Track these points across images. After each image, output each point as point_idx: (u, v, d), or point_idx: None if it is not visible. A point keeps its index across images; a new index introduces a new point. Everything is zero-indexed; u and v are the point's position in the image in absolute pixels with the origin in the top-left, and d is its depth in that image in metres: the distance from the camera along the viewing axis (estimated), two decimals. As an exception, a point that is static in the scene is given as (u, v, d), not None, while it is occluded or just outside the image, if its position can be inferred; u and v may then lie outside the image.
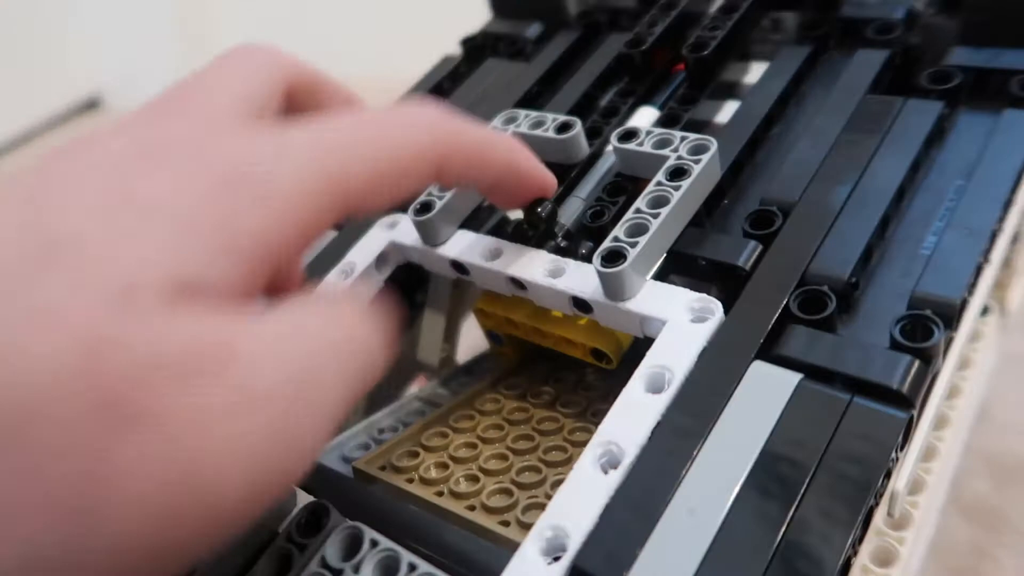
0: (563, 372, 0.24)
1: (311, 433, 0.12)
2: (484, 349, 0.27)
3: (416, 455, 0.21)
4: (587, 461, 0.16)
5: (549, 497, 0.19)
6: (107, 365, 0.11)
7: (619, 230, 0.19)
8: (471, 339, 0.29)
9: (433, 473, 0.20)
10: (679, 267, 0.20)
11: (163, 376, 0.11)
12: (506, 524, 0.18)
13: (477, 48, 0.31)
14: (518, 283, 0.20)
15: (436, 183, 0.19)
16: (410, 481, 0.20)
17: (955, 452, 0.22)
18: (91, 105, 0.88)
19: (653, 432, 0.16)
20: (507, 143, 0.18)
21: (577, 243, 0.21)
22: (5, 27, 0.79)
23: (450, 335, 0.27)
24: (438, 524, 0.18)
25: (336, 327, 0.13)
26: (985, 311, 0.23)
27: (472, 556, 0.17)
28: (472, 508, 0.19)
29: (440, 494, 0.19)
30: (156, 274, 0.12)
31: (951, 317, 0.16)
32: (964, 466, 0.28)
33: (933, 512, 0.22)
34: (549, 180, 0.19)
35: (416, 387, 0.29)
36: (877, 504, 0.14)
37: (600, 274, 0.18)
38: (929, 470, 0.20)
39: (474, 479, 0.20)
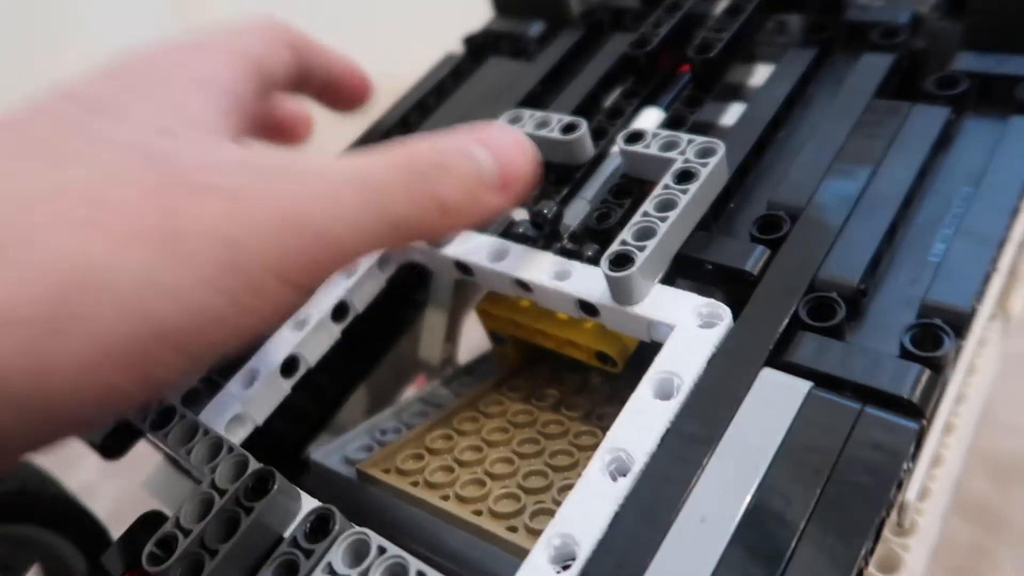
0: (565, 374, 0.24)
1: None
2: (485, 350, 0.27)
3: (421, 458, 0.21)
4: (595, 468, 0.16)
5: (556, 502, 0.19)
6: (161, 158, 0.14)
7: (627, 233, 0.19)
8: (471, 340, 0.29)
9: (438, 477, 0.20)
10: (685, 271, 0.20)
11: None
12: (513, 530, 0.18)
13: (479, 46, 0.30)
14: (524, 285, 0.20)
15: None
16: (415, 484, 0.20)
17: (959, 458, 0.22)
18: None
19: (662, 439, 0.16)
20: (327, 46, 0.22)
21: (583, 245, 0.21)
22: (5, 26, 0.79)
23: (451, 335, 0.27)
24: (445, 529, 0.18)
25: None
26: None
27: (479, 563, 0.17)
28: (479, 513, 0.19)
29: (446, 498, 0.19)
30: (182, 120, 0.15)
31: (961, 326, 0.16)
32: (964, 467, 0.28)
33: (938, 519, 0.22)
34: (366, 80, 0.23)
35: (416, 387, 0.28)
36: (888, 514, 0.14)
37: (608, 278, 0.18)
38: (935, 477, 0.20)
39: (480, 483, 0.20)
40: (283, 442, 0.25)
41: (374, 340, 0.27)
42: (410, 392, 0.27)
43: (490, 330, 0.25)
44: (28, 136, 0.14)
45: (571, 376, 0.24)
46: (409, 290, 0.27)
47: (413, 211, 0.16)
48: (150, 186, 0.13)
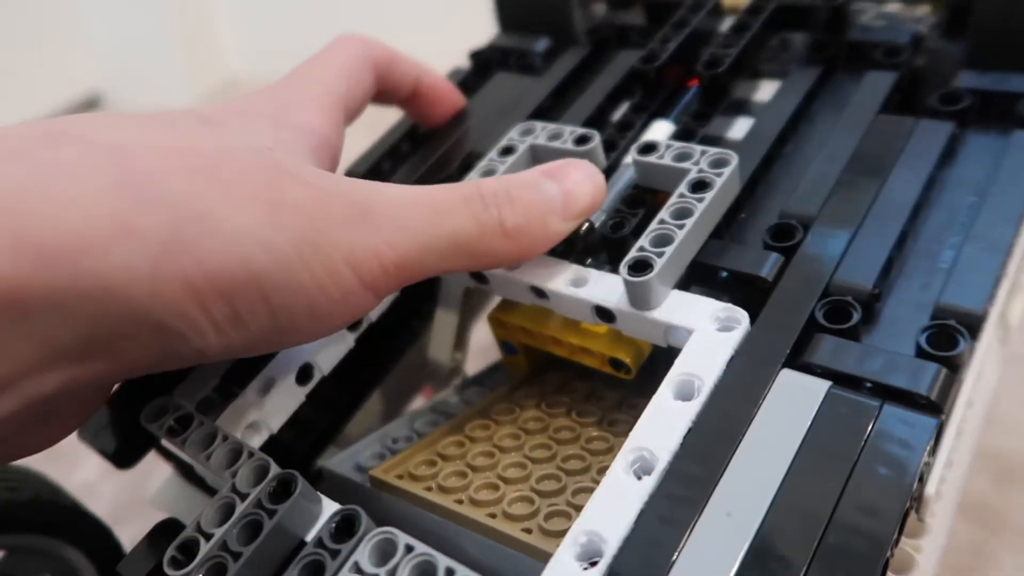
0: (575, 382, 0.24)
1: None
2: (494, 360, 0.27)
3: (434, 464, 0.21)
4: (619, 467, 0.16)
5: (571, 505, 0.19)
6: (270, 158, 0.16)
7: (644, 240, 0.19)
8: (478, 349, 0.29)
9: (452, 481, 0.20)
10: (700, 278, 0.20)
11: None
12: (528, 531, 0.18)
13: (485, 61, 0.31)
14: (540, 292, 0.21)
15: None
16: (429, 489, 0.20)
17: (967, 461, 0.22)
18: (91, 104, 0.88)
19: (684, 438, 0.16)
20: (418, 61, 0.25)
21: (597, 254, 0.21)
22: (5, 26, 0.79)
23: (460, 344, 0.27)
24: (460, 532, 0.18)
25: None
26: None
27: (497, 564, 0.17)
28: (493, 516, 0.19)
29: (460, 502, 0.19)
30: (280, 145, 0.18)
31: (975, 327, 0.16)
32: (970, 470, 0.28)
33: (948, 520, 0.22)
34: (457, 94, 0.27)
35: (423, 398, 0.28)
36: (912, 507, 0.14)
37: (627, 283, 0.18)
38: (944, 479, 0.20)
39: (494, 487, 0.20)
40: (292, 453, 0.25)
41: (383, 352, 0.28)
42: (419, 402, 0.27)
43: (501, 339, 0.25)
44: (159, 118, 0.17)
45: (581, 384, 0.24)
46: (419, 300, 0.27)
47: (475, 231, 0.18)
48: (260, 166, 0.16)
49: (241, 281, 0.15)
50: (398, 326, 0.28)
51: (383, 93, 0.25)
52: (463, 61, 0.31)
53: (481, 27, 0.33)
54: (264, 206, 0.15)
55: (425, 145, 0.28)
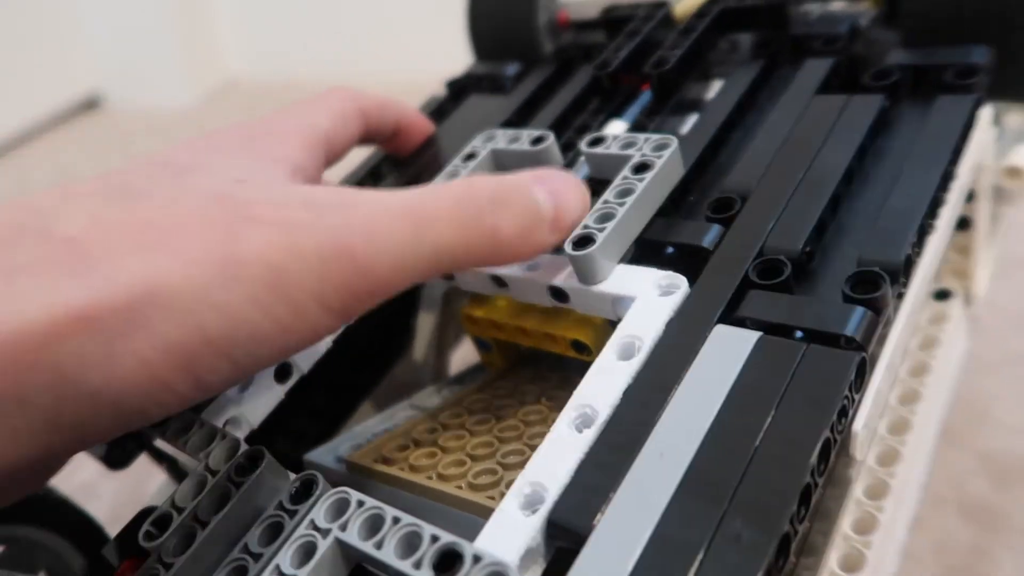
0: (547, 372, 0.25)
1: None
2: (474, 362, 0.28)
3: (406, 447, 0.22)
4: (563, 423, 0.17)
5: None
6: (230, 200, 0.16)
7: (588, 219, 0.20)
8: (461, 355, 0.30)
9: (422, 461, 0.21)
10: (648, 255, 0.21)
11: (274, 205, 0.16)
12: (492, 499, 0.19)
13: (461, 89, 0.33)
14: (499, 280, 0.22)
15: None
16: (401, 470, 0.21)
17: (931, 429, 0.22)
18: (91, 105, 0.89)
19: (624, 393, 0.17)
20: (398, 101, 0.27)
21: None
22: (5, 26, 0.80)
23: (442, 345, 0.28)
24: (427, 505, 0.19)
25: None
26: (948, 295, 0.24)
27: (456, 525, 0.17)
28: (460, 488, 0.19)
29: (429, 478, 0.20)
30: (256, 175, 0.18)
31: (896, 272, 0.17)
32: (964, 466, 0.28)
33: (913, 486, 0.22)
34: (428, 124, 0.29)
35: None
36: (836, 440, 0.15)
37: (571, 258, 0.19)
38: (904, 442, 0.21)
39: (461, 463, 0.20)
40: (286, 460, 0.26)
41: (373, 360, 0.29)
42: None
43: (474, 336, 0.26)
44: (124, 185, 0.17)
45: (553, 374, 0.25)
46: (407, 313, 0.28)
47: (461, 241, 0.17)
48: (217, 218, 0.16)
49: (198, 349, 0.15)
50: (388, 338, 0.29)
51: (368, 136, 0.26)
52: (461, 60, 0.33)
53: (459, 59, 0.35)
54: (216, 265, 0.15)
55: (402, 165, 0.29)
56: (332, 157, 0.23)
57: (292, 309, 0.16)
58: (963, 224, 0.25)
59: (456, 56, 0.33)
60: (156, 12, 0.84)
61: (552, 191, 0.19)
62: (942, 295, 0.24)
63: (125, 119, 0.84)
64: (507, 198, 0.18)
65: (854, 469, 0.20)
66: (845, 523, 0.20)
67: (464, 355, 0.30)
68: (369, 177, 0.29)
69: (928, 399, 0.22)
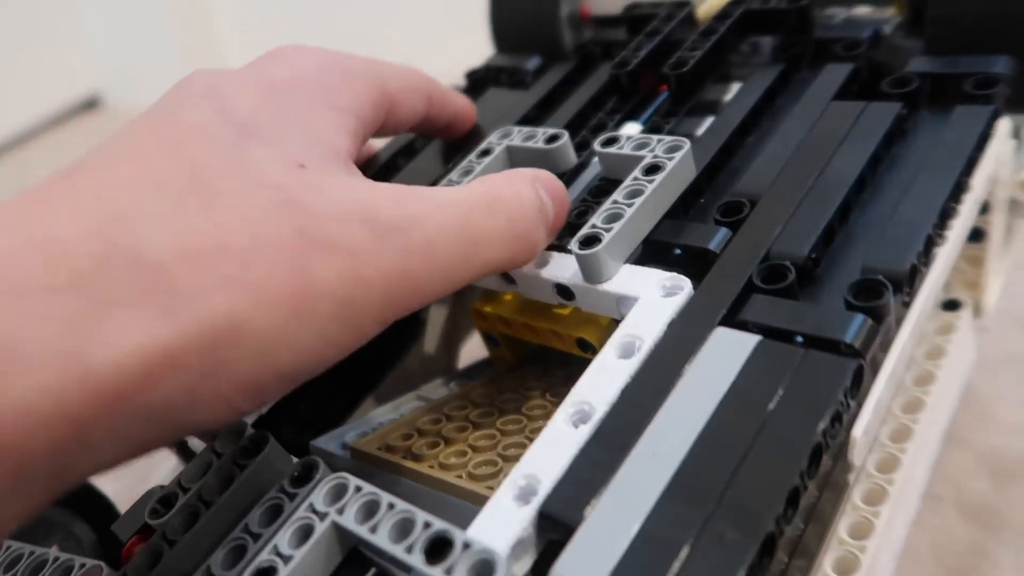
0: (554, 369, 0.25)
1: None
2: (483, 356, 0.28)
3: (410, 437, 0.22)
4: (560, 418, 0.17)
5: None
6: (297, 208, 0.16)
7: (596, 218, 0.20)
8: (470, 349, 0.31)
9: (425, 450, 0.21)
10: (655, 256, 0.21)
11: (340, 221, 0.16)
12: (491, 489, 0.19)
13: (480, 80, 0.33)
14: (508, 277, 0.22)
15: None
16: (404, 458, 0.21)
17: (933, 438, 0.22)
18: (91, 105, 0.89)
19: (622, 392, 0.17)
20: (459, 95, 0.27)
21: (562, 239, 0.23)
22: (5, 26, 0.80)
23: (451, 339, 0.29)
24: (426, 493, 0.20)
25: (490, 193, 0.18)
26: (957, 306, 0.24)
27: (454, 513, 0.18)
28: (460, 477, 0.20)
29: (431, 467, 0.20)
30: (316, 153, 0.18)
31: (900, 281, 0.17)
32: (964, 466, 0.28)
33: (913, 495, 0.22)
34: (475, 112, 0.28)
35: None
36: (828, 444, 0.15)
37: (578, 257, 0.20)
38: (904, 450, 0.21)
39: (462, 454, 0.21)
40: (293, 446, 0.26)
41: (383, 350, 0.29)
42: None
43: (483, 331, 0.26)
44: (187, 162, 0.16)
45: (560, 371, 0.25)
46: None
47: (508, 257, 0.18)
48: (287, 241, 0.16)
49: (270, 382, 0.16)
50: (398, 330, 0.29)
51: (422, 124, 0.25)
52: (462, 60, 0.33)
53: (480, 26, 0.35)
54: (290, 304, 0.15)
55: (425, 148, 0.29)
56: (388, 126, 0.23)
57: (355, 334, 0.16)
58: (976, 236, 0.24)
59: (456, 55, 0.34)
60: (156, 12, 0.84)
61: (553, 196, 0.20)
62: (951, 305, 0.24)
63: (125, 119, 0.82)
64: (546, 208, 0.19)
65: (853, 474, 0.20)
66: (841, 527, 0.20)
67: (473, 348, 0.30)
68: (404, 153, 0.29)
69: (931, 408, 0.21)
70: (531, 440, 0.21)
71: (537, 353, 0.27)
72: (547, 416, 0.23)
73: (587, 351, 0.23)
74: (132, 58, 0.86)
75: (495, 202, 0.18)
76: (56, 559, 0.18)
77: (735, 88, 0.28)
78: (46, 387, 0.13)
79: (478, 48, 0.35)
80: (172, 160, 0.16)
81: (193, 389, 0.14)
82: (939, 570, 0.26)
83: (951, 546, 0.26)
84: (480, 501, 0.19)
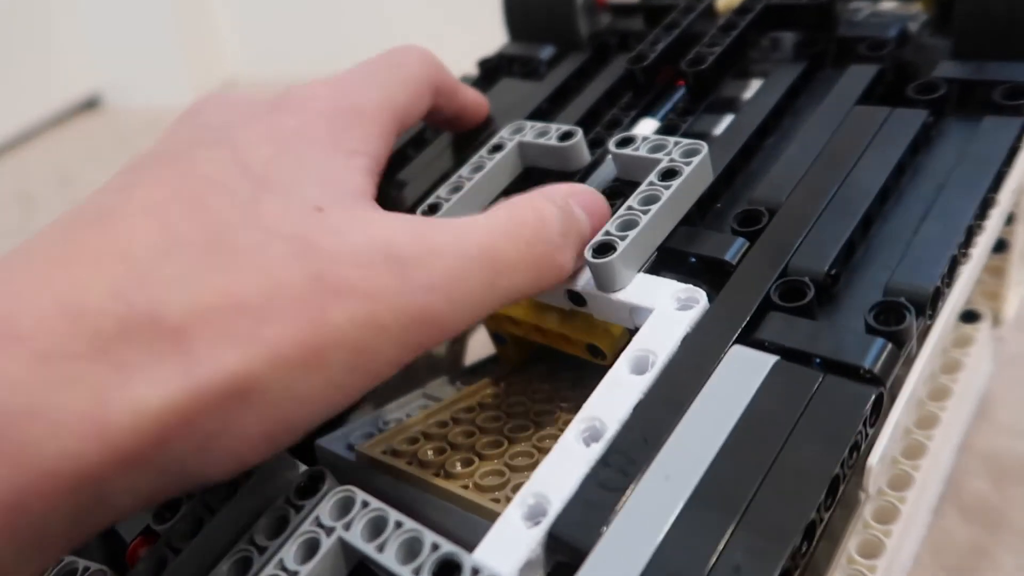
0: (561, 372, 0.25)
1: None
2: (490, 353, 0.28)
3: (416, 441, 0.22)
4: (571, 435, 0.17)
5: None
6: (314, 255, 0.16)
7: (611, 225, 0.20)
8: (477, 344, 0.30)
9: (431, 457, 0.21)
10: (670, 264, 0.21)
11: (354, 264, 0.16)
12: (497, 501, 0.19)
13: (492, 69, 0.32)
14: (518, 279, 0.21)
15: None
16: (409, 464, 0.21)
17: (947, 452, 0.22)
18: (91, 105, 0.89)
19: (634, 409, 0.17)
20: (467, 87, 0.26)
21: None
22: (5, 26, 0.80)
23: (458, 342, 0.28)
24: (430, 502, 0.19)
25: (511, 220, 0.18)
26: (976, 317, 0.24)
27: (457, 525, 0.18)
28: (465, 487, 0.19)
29: (437, 475, 0.20)
30: (333, 195, 0.17)
31: (923, 304, 0.17)
32: (964, 466, 0.28)
33: (924, 510, 0.22)
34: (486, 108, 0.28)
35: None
36: (845, 475, 0.15)
37: (591, 265, 0.19)
38: (918, 467, 0.20)
39: (469, 462, 0.21)
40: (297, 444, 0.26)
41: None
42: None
43: (491, 330, 0.26)
44: (206, 219, 0.16)
45: (566, 374, 0.25)
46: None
47: (532, 283, 0.18)
48: (305, 292, 0.15)
49: (280, 435, 0.15)
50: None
51: (429, 116, 0.25)
52: (463, 60, 0.33)
53: (482, 27, 0.34)
54: (301, 356, 0.15)
55: (433, 141, 0.29)
56: (402, 130, 0.23)
57: (369, 379, 0.16)
58: (999, 246, 0.24)
59: (456, 55, 0.33)
60: (156, 12, 0.84)
61: (591, 216, 0.20)
62: (969, 316, 0.24)
63: (125, 119, 0.83)
64: (570, 229, 0.19)
65: (864, 492, 0.19)
66: (851, 545, 0.19)
67: (479, 345, 0.30)
68: (413, 144, 0.29)
69: (946, 424, 0.21)
70: (539, 449, 0.21)
71: (544, 352, 0.26)
72: (556, 423, 0.22)
73: (597, 357, 0.22)
74: (132, 58, 0.86)
75: (517, 228, 0.18)
76: (60, 561, 0.18)
77: (754, 85, 0.27)
78: (68, 451, 0.13)
79: (492, 35, 0.34)
80: (192, 217, 0.16)
81: (205, 446, 0.15)
82: (939, 570, 0.26)
83: (951, 546, 0.26)
84: (486, 514, 0.19)
